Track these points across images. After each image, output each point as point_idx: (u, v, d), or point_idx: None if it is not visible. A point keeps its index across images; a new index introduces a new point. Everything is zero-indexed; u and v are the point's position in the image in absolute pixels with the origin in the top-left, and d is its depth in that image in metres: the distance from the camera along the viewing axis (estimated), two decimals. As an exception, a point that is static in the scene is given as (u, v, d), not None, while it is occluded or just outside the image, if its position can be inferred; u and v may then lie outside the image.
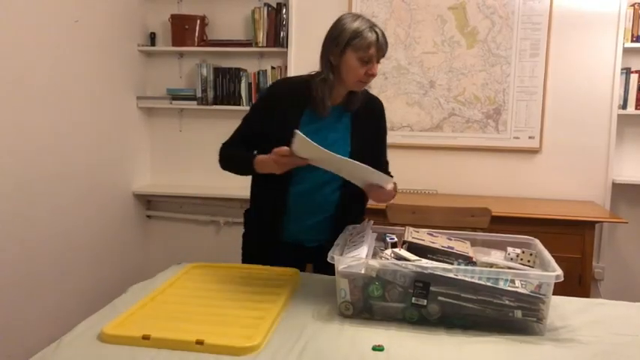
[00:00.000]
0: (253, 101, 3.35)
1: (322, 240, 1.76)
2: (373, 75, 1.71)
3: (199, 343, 1.22)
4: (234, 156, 1.83)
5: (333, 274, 1.46)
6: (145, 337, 1.24)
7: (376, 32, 1.66)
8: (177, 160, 3.64)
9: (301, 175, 1.73)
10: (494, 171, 3.29)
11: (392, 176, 1.87)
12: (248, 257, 1.95)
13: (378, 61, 1.70)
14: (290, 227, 1.81)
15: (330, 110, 1.76)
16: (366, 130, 1.84)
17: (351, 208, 1.83)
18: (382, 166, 1.91)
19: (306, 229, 1.81)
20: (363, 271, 1.41)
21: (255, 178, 1.87)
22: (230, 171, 1.86)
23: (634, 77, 3.08)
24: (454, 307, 1.37)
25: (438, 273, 1.37)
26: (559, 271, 1.36)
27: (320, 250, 1.63)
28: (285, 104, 1.78)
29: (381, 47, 1.67)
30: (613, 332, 1.38)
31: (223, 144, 1.87)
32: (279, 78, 1.88)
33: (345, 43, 1.66)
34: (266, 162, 1.68)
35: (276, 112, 1.77)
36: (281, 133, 1.64)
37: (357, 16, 1.70)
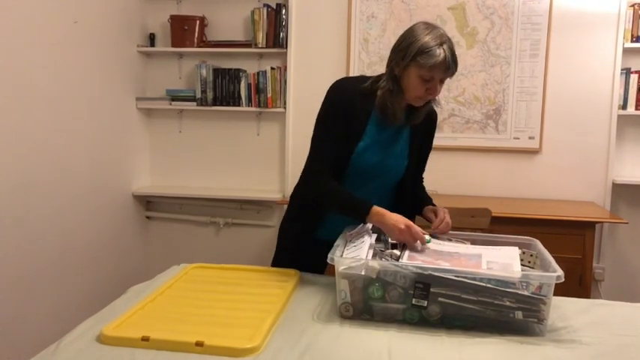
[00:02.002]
0: (252, 102, 3.35)
1: None
2: (433, 95, 1.63)
3: (199, 344, 1.22)
4: (342, 195, 1.67)
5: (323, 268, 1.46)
6: (145, 339, 1.24)
7: (444, 51, 1.54)
8: (177, 161, 3.64)
9: (352, 184, 1.70)
10: (494, 171, 3.29)
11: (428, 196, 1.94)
12: (281, 249, 1.93)
13: (442, 82, 1.61)
14: (327, 226, 1.80)
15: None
16: (420, 144, 1.83)
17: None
18: (423, 171, 1.94)
19: (340, 230, 1.71)
20: (363, 273, 1.40)
21: (302, 181, 1.84)
22: (328, 208, 1.76)
23: (634, 77, 3.08)
24: (454, 308, 1.37)
25: (439, 274, 1.37)
26: (560, 272, 1.35)
27: None
28: (352, 108, 1.69)
29: (447, 68, 1.56)
30: (614, 333, 1.38)
31: (315, 172, 1.71)
32: (340, 79, 1.75)
33: (410, 57, 1.57)
34: (390, 227, 1.57)
35: (346, 116, 1.68)
36: (345, 141, 1.65)
37: (431, 29, 1.58)
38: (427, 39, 1.56)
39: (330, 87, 1.72)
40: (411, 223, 1.56)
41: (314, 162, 1.73)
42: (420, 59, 1.55)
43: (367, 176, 1.74)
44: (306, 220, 1.84)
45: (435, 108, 1.82)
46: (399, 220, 1.57)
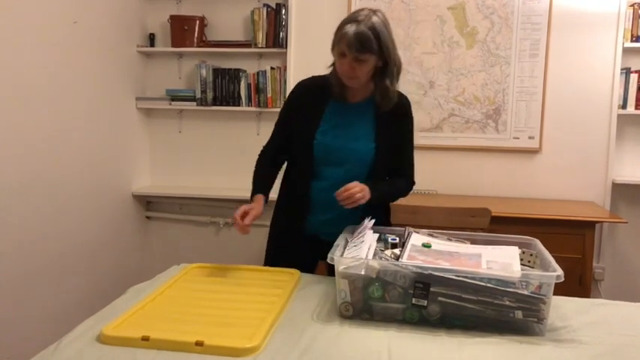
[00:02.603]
0: (252, 102, 3.36)
1: (338, 233, 1.74)
2: (352, 73, 1.68)
3: (199, 344, 1.22)
4: (254, 177, 1.91)
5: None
6: (145, 339, 1.24)
7: (352, 28, 1.62)
8: (177, 161, 3.63)
9: (323, 173, 1.81)
10: (494, 171, 3.29)
11: (413, 182, 1.92)
12: (272, 248, 1.99)
13: (356, 60, 1.66)
14: (309, 219, 1.87)
15: (354, 106, 1.81)
16: (392, 128, 1.83)
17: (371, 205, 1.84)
18: (406, 167, 1.91)
19: (322, 221, 1.85)
20: (363, 272, 1.40)
21: (285, 174, 1.96)
22: None
23: (634, 77, 3.08)
24: (454, 308, 1.37)
25: (438, 273, 1.37)
26: (560, 272, 1.35)
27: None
28: (308, 100, 1.84)
29: (350, 44, 1.63)
30: (614, 333, 1.38)
31: (262, 149, 1.96)
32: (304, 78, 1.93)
33: (334, 36, 1.70)
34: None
35: (301, 110, 1.84)
36: (306, 130, 1.77)
37: (357, 10, 1.70)
38: (346, 18, 1.68)
39: (296, 84, 1.90)
40: (245, 213, 1.70)
41: (264, 147, 1.97)
42: (335, 36, 1.68)
43: (334, 161, 1.80)
44: (292, 213, 1.90)
45: (404, 101, 1.88)
46: (248, 207, 1.73)
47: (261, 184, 1.88)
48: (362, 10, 1.68)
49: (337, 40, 1.66)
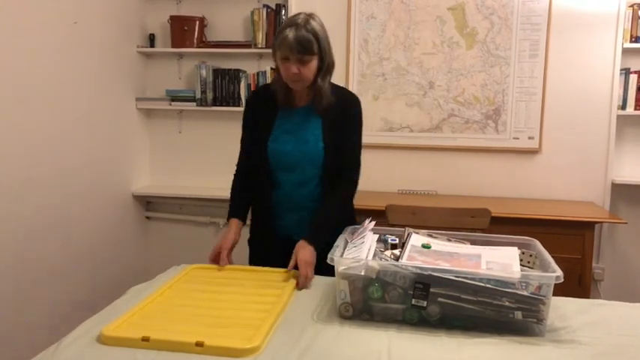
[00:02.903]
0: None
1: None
2: (296, 75, 1.73)
3: (199, 344, 1.22)
4: (230, 199, 1.98)
5: (322, 269, 1.55)
6: (145, 339, 1.24)
7: (291, 32, 1.68)
8: (177, 161, 3.63)
9: (279, 179, 1.87)
10: (493, 172, 3.29)
11: (354, 182, 1.90)
12: (253, 256, 2.05)
13: (300, 61, 1.71)
14: (278, 224, 1.92)
15: (301, 110, 1.86)
16: (337, 126, 1.86)
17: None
18: (345, 167, 1.88)
19: (291, 224, 1.90)
20: (363, 273, 1.41)
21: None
22: None
23: (633, 77, 3.08)
24: (454, 309, 1.37)
25: (438, 274, 1.37)
26: (559, 272, 1.35)
27: None
28: (260, 110, 1.91)
29: (291, 47, 1.69)
30: (613, 333, 1.38)
31: (236, 168, 2.01)
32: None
33: (273, 43, 1.77)
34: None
35: (255, 119, 1.92)
36: (259, 139, 1.86)
37: (293, 16, 1.77)
38: (284, 24, 1.74)
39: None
40: (222, 248, 1.84)
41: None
42: (275, 42, 1.75)
43: (288, 166, 1.85)
44: (263, 220, 1.96)
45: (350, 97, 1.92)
46: (220, 240, 1.86)
47: (236, 207, 1.94)
48: (299, 15, 1.75)
49: (278, 44, 1.72)
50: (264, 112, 1.89)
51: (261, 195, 1.92)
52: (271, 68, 3.33)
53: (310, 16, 1.76)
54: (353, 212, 1.99)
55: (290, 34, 1.68)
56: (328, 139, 1.84)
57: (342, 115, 1.87)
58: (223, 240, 1.86)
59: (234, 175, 2.01)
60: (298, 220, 1.87)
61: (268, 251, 1.94)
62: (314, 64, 1.75)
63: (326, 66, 1.80)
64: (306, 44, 1.70)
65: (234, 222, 1.91)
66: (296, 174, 1.86)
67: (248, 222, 1.99)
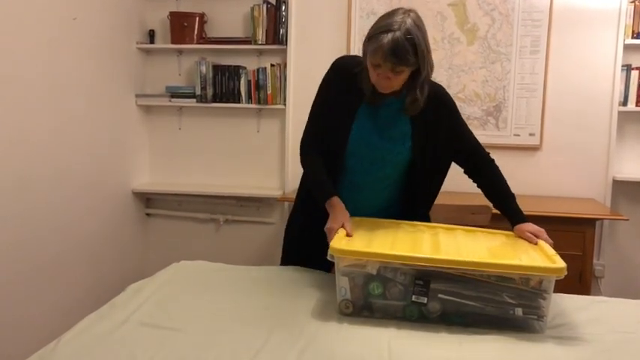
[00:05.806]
0: (252, 99, 3.35)
1: None
2: (387, 83, 1.58)
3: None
4: (314, 177, 1.76)
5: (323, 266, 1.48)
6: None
7: (389, 38, 1.48)
8: (177, 158, 3.63)
9: (354, 167, 1.74)
10: (494, 168, 3.27)
11: (492, 158, 1.92)
12: (288, 243, 1.94)
13: (393, 71, 1.54)
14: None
15: (389, 103, 1.69)
16: (432, 128, 1.73)
17: (397, 208, 1.84)
18: (477, 147, 1.89)
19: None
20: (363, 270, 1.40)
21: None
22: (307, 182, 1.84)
23: (635, 74, 3.07)
24: (454, 305, 1.37)
25: (439, 270, 1.37)
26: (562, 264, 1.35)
27: None
28: (343, 91, 1.71)
29: (385, 56, 1.50)
30: (614, 330, 1.38)
31: (305, 141, 1.80)
32: (342, 57, 1.80)
33: (364, 42, 1.58)
34: (331, 216, 1.62)
35: (339, 96, 1.71)
36: (340, 120, 1.68)
37: (391, 16, 1.54)
38: (379, 25, 1.54)
39: (332, 63, 1.75)
40: (336, 228, 1.55)
41: (305, 134, 1.81)
42: (367, 45, 1.56)
43: (367, 159, 1.72)
44: (309, 210, 1.80)
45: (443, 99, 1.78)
46: (333, 219, 1.60)
47: (329, 184, 1.72)
48: (396, 13, 1.54)
49: (371, 50, 1.53)
50: (347, 97, 1.70)
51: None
52: (271, 65, 3.33)
53: (408, 14, 1.54)
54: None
55: (385, 39, 1.48)
56: (416, 147, 1.71)
57: (437, 114, 1.73)
58: (341, 216, 1.61)
59: (306, 150, 1.79)
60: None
61: (310, 243, 1.75)
62: (407, 72, 1.58)
63: (424, 77, 1.63)
64: (402, 55, 1.50)
65: (337, 199, 1.67)
66: (376, 171, 1.73)
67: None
